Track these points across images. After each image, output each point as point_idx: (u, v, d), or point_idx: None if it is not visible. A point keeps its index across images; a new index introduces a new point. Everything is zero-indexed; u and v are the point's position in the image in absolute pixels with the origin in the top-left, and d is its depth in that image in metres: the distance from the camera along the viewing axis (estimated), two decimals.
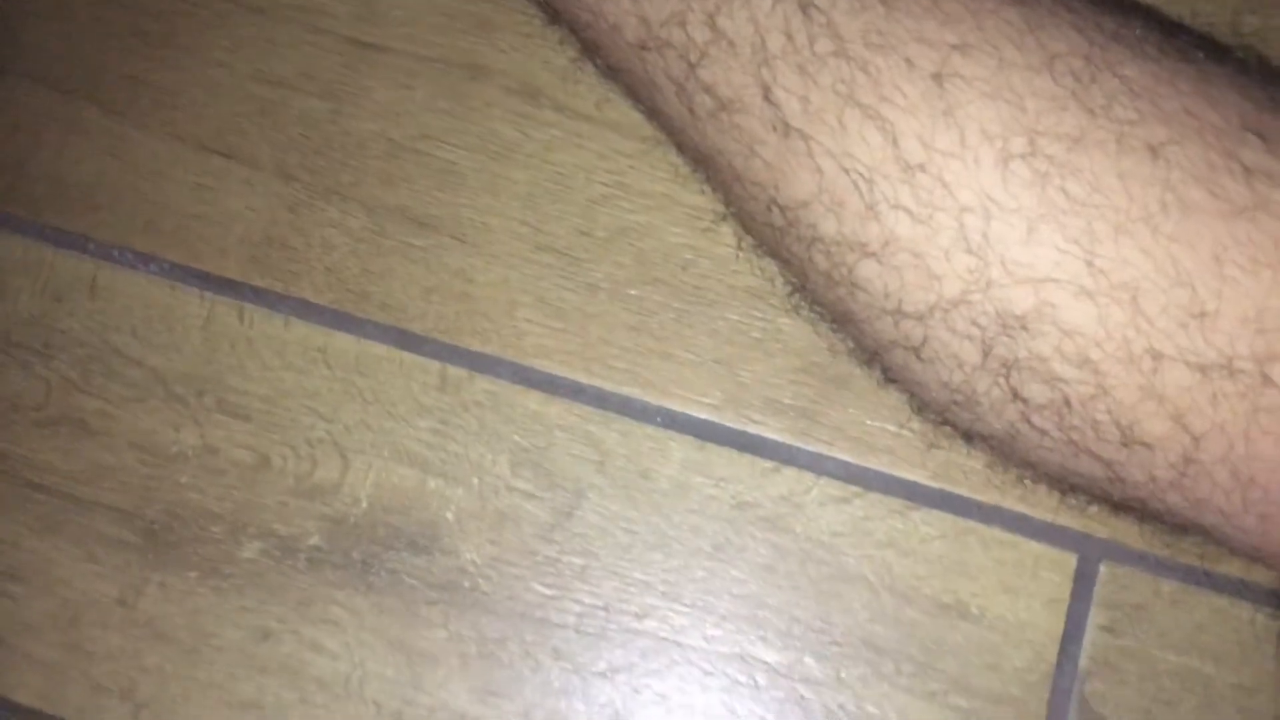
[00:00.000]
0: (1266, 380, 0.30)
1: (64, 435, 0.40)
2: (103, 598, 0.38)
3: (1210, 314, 0.30)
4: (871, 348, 0.36)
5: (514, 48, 0.43)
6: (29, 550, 0.39)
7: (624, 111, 0.41)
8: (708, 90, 0.35)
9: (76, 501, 0.39)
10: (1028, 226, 0.31)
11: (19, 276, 0.41)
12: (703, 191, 0.40)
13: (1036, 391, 0.32)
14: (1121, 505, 0.35)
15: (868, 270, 0.33)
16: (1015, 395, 0.33)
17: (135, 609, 0.38)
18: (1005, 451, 0.36)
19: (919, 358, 0.34)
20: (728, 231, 0.40)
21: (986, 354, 0.32)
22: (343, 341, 0.40)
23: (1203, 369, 0.30)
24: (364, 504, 0.39)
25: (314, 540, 0.38)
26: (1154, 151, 0.31)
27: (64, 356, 0.40)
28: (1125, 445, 0.32)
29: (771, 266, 0.39)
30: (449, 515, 0.38)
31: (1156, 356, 0.30)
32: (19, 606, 0.38)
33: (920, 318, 0.33)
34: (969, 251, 0.32)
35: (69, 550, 0.39)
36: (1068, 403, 0.32)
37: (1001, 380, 0.33)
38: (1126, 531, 0.37)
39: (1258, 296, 0.30)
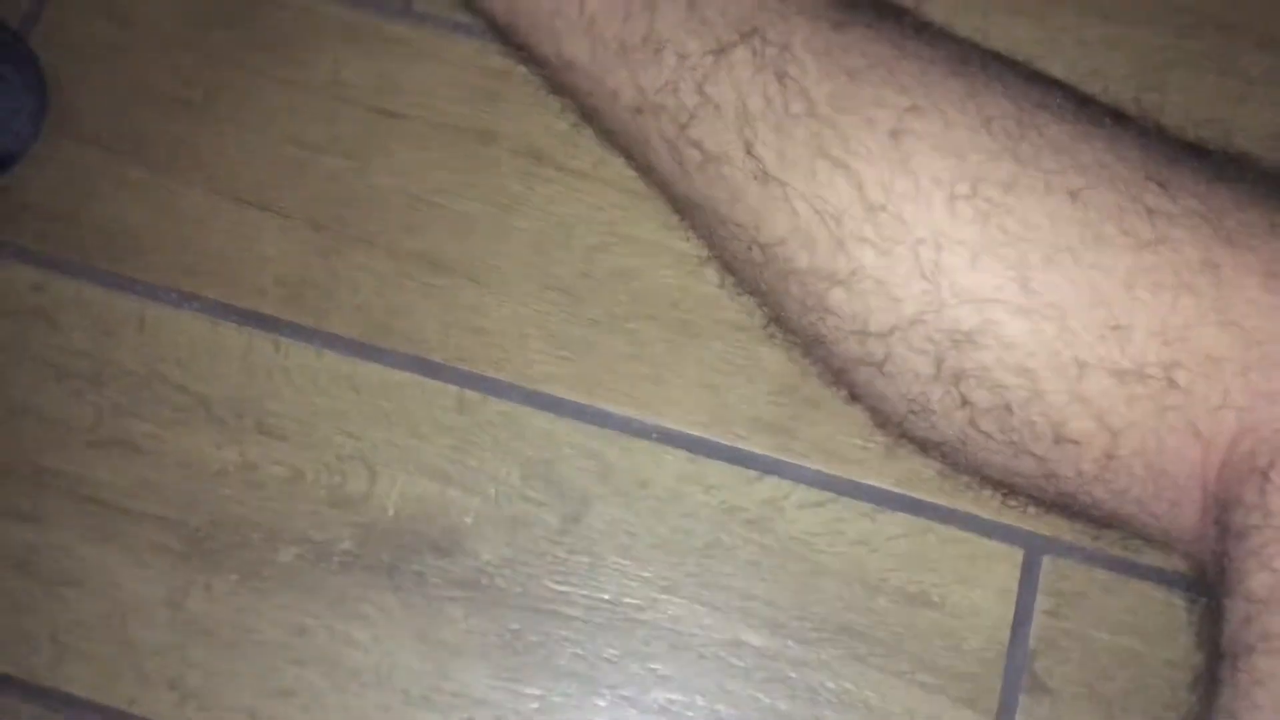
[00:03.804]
0: (1171, 384, 0.35)
1: (115, 454, 0.44)
2: (151, 599, 0.42)
3: (1124, 328, 0.36)
4: (839, 367, 0.42)
5: (519, 115, 0.49)
6: (82, 558, 0.42)
7: (618, 169, 0.47)
8: (696, 146, 0.41)
9: (127, 513, 0.43)
10: (972, 256, 0.37)
11: (71, 315, 0.46)
12: (688, 238, 0.46)
13: (982, 397, 0.38)
14: (1055, 502, 0.40)
15: (837, 297, 0.39)
16: (964, 401, 0.38)
17: (181, 608, 0.42)
18: (956, 457, 0.42)
19: (882, 372, 0.40)
20: (711, 273, 0.45)
21: (939, 365, 0.38)
22: (369, 369, 0.45)
23: (1119, 375, 0.35)
24: (391, 512, 0.43)
25: (345, 545, 0.43)
26: (1074, 195, 0.37)
27: (114, 385, 0.45)
28: (1057, 443, 0.37)
29: (750, 302, 0.44)
30: (468, 521, 0.43)
31: (1081, 365, 0.36)
32: (72, 608, 0.42)
33: (883, 336, 0.39)
34: (923, 278, 0.37)
35: (120, 557, 0.42)
36: (1008, 407, 0.37)
37: (953, 389, 0.38)
38: (1064, 528, 0.43)
39: (1162, 313, 0.35)
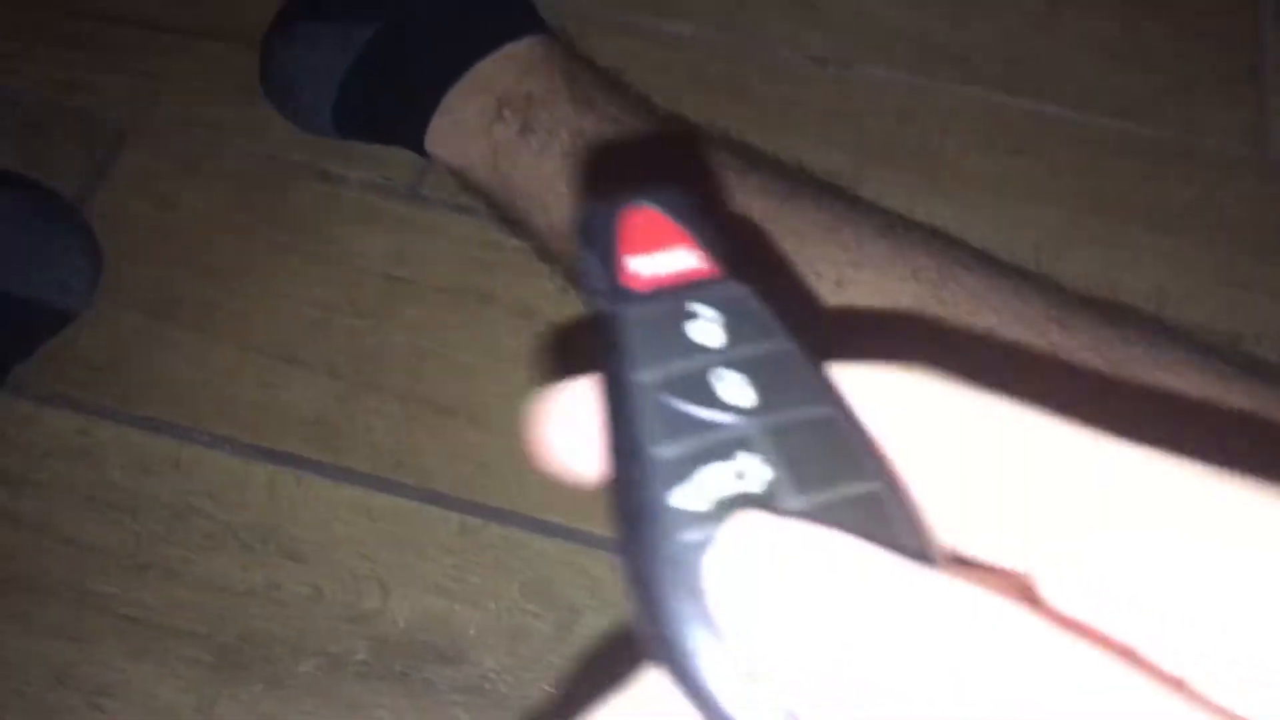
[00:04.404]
0: None
1: (151, 577, 0.48)
2: (183, 708, 0.45)
3: None
4: None
5: (514, 279, 0.56)
6: (120, 670, 0.46)
7: None
8: None
9: (161, 630, 0.47)
10: None
11: (113, 455, 0.51)
12: None
13: None
14: None
15: None
16: None
17: (210, 716, 0.45)
18: None
19: None
20: None
21: None
22: (382, 499, 0.50)
23: None
24: (402, 625, 0.48)
25: (361, 656, 0.47)
26: (988, 332, 0.45)
27: (151, 516, 0.49)
28: None
29: None
30: (471, 632, 0.47)
31: None
32: (110, 718, 0.45)
33: None
34: None
35: (155, 669, 0.46)
36: None
37: None
38: None
39: None
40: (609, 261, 0.18)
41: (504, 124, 0.54)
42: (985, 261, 0.49)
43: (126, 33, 0.64)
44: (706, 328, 0.18)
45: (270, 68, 0.60)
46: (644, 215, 0.19)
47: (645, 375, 0.17)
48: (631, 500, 0.16)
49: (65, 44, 0.63)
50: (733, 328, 0.18)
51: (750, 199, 0.48)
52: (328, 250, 0.57)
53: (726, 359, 0.17)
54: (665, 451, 0.16)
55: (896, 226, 0.48)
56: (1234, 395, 0.43)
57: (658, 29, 0.65)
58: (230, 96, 0.61)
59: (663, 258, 0.19)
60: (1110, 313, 0.49)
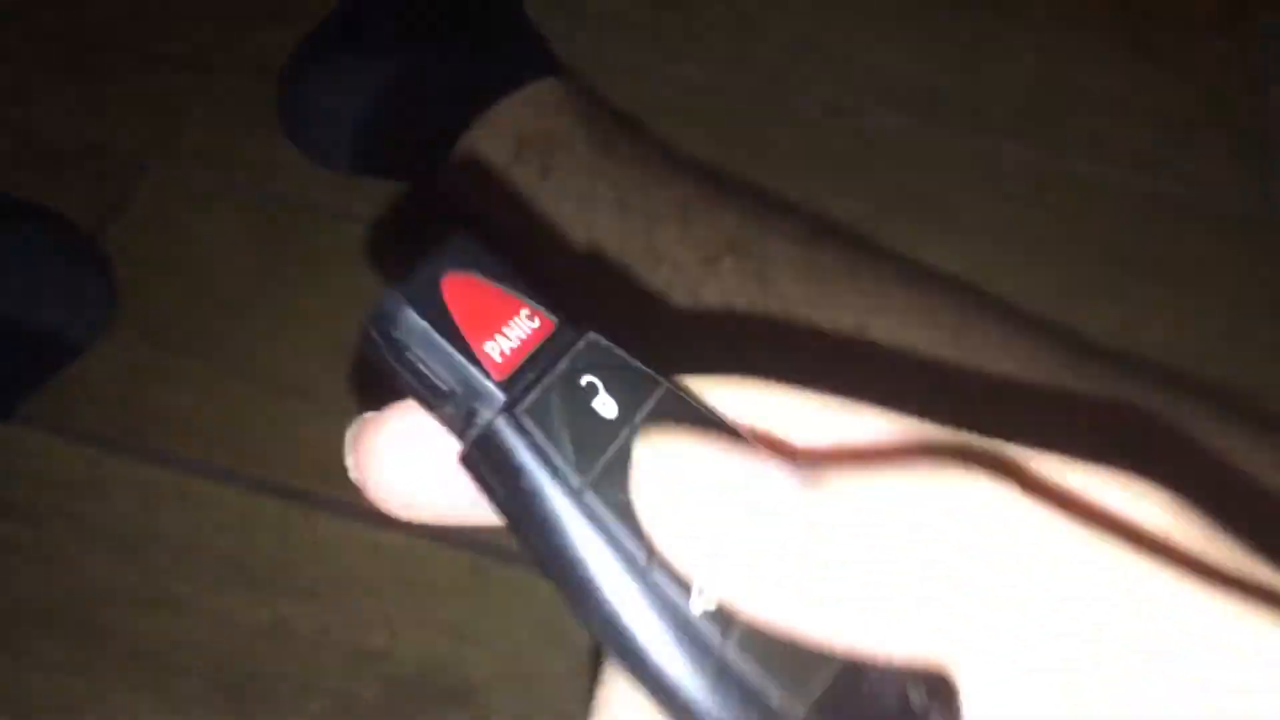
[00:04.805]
0: None
1: (159, 613, 0.47)
2: None
3: None
4: None
5: None
6: (126, 708, 0.45)
7: None
8: None
9: (168, 667, 0.46)
10: None
11: (121, 487, 0.50)
12: None
13: None
14: None
15: None
16: None
17: None
18: None
19: None
20: None
21: None
22: (393, 538, 0.50)
23: None
24: (411, 665, 0.47)
25: (369, 696, 0.46)
26: (1006, 382, 0.45)
27: (159, 550, 0.49)
28: None
29: None
30: (481, 674, 0.47)
31: None
32: None
33: None
34: None
35: (160, 706, 0.45)
36: None
37: None
38: None
39: None
40: (462, 355, 0.16)
41: (522, 165, 0.54)
42: (1003, 311, 0.49)
43: (145, 67, 0.64)
44: (602, 398, 0.16)
45: (288, 104, 0.60)
46: (461, 285, 0.16)
47: (575, 483, 0.15)
48: (640, 623, 0.15)
49: (84, 77, 0.64)
50: (614, 388, 0.16)
51: (770, 243, 0.48)
52: (341, 286, 0.57)
53: (634, 429, 0.16)
54: (653, 565, 0.15)
55: (917, 274, 0.49)
56: (1251, 452, 0.43)
57: (673, 75, 0.66)
58: (247, 132, 0.62)
59: (507, 331, 0.16)
60: (1126, 366, 0.50)
